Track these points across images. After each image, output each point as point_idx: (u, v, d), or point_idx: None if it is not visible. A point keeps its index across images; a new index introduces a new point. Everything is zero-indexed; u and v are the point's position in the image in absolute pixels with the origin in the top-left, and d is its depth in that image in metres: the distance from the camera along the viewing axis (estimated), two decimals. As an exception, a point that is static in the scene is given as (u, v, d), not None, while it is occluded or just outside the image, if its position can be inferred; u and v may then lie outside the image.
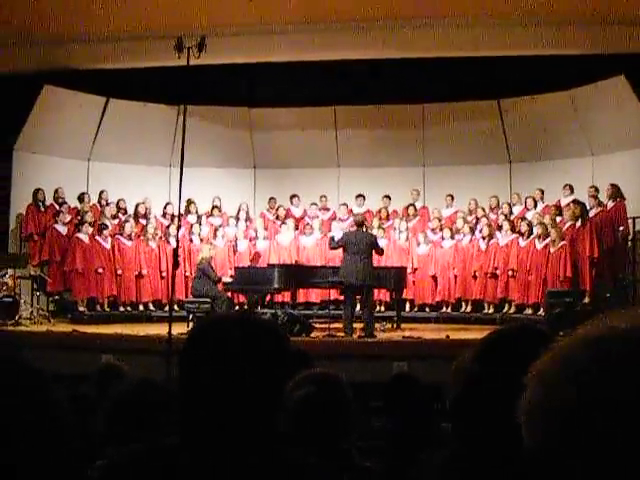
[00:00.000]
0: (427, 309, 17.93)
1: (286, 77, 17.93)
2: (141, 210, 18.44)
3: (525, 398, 1.02)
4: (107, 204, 18.27)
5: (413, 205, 18.83)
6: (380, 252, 14.66)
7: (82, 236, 17.13)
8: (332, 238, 14.93)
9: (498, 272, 16.96)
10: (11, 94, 17.01)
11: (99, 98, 18.71)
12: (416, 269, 17.84)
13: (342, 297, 14.72)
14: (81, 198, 18.15)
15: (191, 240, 18.06)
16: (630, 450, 0.91)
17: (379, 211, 18.75)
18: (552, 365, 1.01)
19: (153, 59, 16.34)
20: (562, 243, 15.86)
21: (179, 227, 14.98)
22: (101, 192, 18.48)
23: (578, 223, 16.10)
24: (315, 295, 17.89)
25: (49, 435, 1.24)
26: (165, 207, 18.84)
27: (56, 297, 17.52)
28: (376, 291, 15.81)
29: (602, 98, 17.11)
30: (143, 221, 18.21)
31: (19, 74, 16.60)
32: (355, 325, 14.26)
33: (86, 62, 16.86)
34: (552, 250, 15.98)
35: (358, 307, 14.76)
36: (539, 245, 16.29)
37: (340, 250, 14.45)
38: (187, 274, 17.70)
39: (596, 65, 16.22)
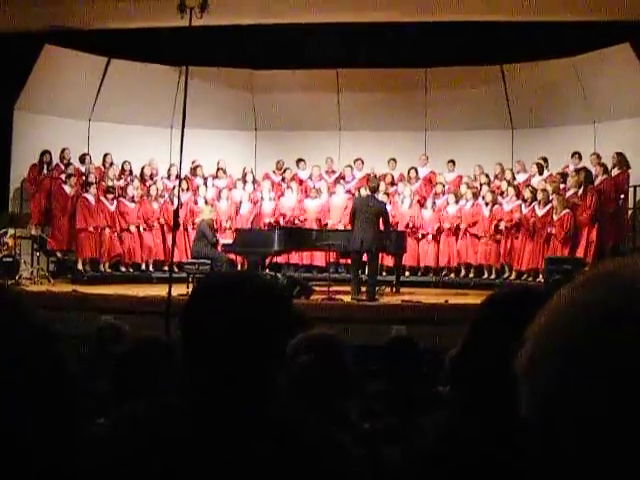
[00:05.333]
0: (430, 274, 17.90)
1: (289, 39, 17.83)
2: (147, 172, 18.41)
3: (524, 351, 1.02)
4: (111, 165, 18.20)
5: (415, 169, 18.77)
6: (386, 224, 14.58)
7: (89, 197, 17.12)
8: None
9: (499, 237, 16.93)
10: (12, 54, 16.93)
11: (100, 58, 18.63)
12: (422, 235, 17.82)
13: (342, 260, 14.81)
14: (82, 159, 18.11)
15: (196, 202, 18.02)
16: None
17: (384, 176, 18.68)
18: (553, 312, 1.01)
19: (155, 19, 16.24)
20: (565, 211, 15.84)
21: (180, 188, 14.93)
22: (105, 154, 18.40)
23: (580, 191, 16.10)
24: (319, 258, 17.91)
25: (55, 388, 1.25)
26: (169, 169, 18.79)
27: (57, 257, 17.52)
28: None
29: (606, 66, 17.04)
30: (149, 183, 18.16)
31: (20, 33, 16.50)
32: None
33: (88, 22, 16.74)
34: (555, 218, 15.96)
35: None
36: (539, 212, 16.27)
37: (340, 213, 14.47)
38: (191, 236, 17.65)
39: (601, 32, 16.13)
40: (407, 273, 17.71)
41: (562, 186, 16.62)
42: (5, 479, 1.20)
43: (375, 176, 17.80)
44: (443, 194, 17.92)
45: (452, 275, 17.73)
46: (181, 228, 16.74)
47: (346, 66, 19.32)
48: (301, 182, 19.02)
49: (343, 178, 18.97)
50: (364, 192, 15.85)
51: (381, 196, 17.04)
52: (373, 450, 2.47)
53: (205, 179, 18.69)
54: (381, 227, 14.24)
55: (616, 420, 0.90)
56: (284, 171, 19.23)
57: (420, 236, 17.77)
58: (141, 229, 17.60)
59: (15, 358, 1.21)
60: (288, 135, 19.99)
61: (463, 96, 19.00)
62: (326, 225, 17.71)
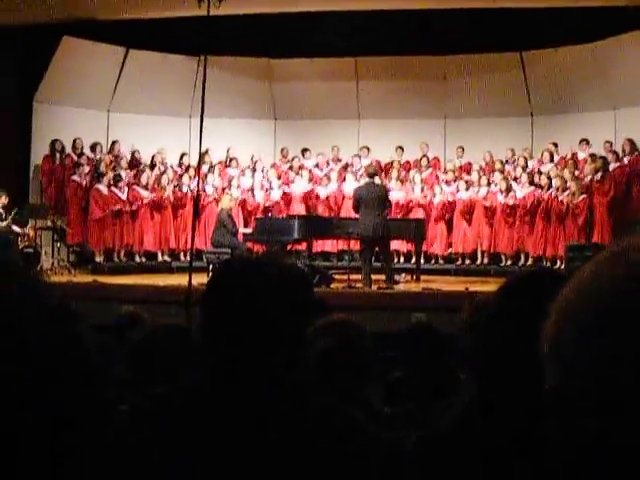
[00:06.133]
0: (442, 261, 17.88)
1: (307, 28, 17.81)
2: (157, 160, 18.45)
3: (548, 327, 1.02)
4: (117, 157, 18.25)
5: (426, 156, 18.76)
6: (388, 206, 14.63)
7: (101, 187, 17.18)
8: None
9: (517, 223, 16.90)
10: (31, 45, 17.00)
11: (119, 49, 18.66)
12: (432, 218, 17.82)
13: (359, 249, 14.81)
14: (94, 148, 18.16)
15: (204, 190, 18.05)
16: None
17: (393, 163, 18.69)
18: (577, 286, 1.01)
19: (174, 9, 16.25)
20: (583, 196, 15.80)
21: (197, 177, 14.95)
22: (113, 142, 18.47)
23: (597, 177, 16.06)
24: (331, 245, 17.94)
25: (75, 363, 1.25)
26: (181, 157, 18.82)
27: (76, 248, 17.61)
28: (393, 242, 15.84)
29: (625, 52, 16.96)
30: (158, 171, 18.19)
31: (38, 25, 16.56)
32: (373, 277, 14.33)
33: (106, 13, 16.77)
34: (573, 203, 15.91)
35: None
36: (559, 197, 16.23)
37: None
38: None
39: (620, 18, 16.03)
40: (429, 260, 17.70)
41: (576, 172, 16.60)
42: (29, 450, 1.20)
43: (376, 162, 17.83)
44: (454, 181, 17.87)
45: (468, 261, 17.69)
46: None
47: (365, 54, 19.27)
48: (310, 171, 19.00)
49: (349, 165, 18.97)
50: (364, 179, 15.82)
51: (394, 183, 17.07)
52: (394, 433, 2.47)
53: (212, 167, 18.68)
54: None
55: None
56: (293, 159, 19.23)
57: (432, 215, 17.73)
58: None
59: (36, 335, 1.22)
60: (307, 124, 19.98)
61: (482, 83, 18.94)
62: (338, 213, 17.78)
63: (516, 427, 1.84)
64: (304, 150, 19.45)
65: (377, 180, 15.57)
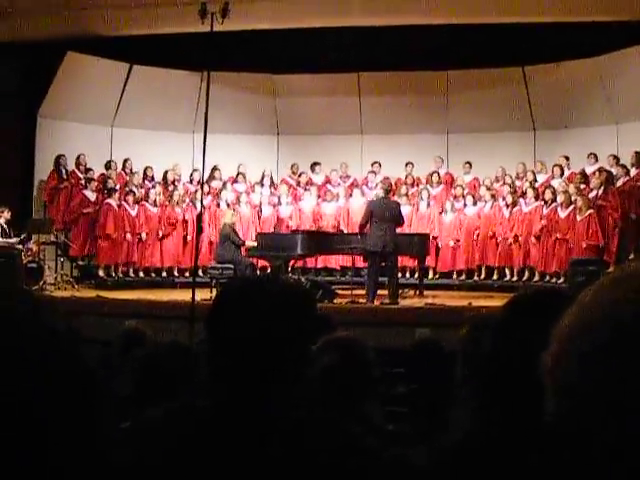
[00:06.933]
0: (453, 275, 17.87)
1: (309, 43, 17.85)
2: (170, 177, 18.48)
3: (550, 351, 1.01)
4: (132, 172, 18.30)
5: (437, 172, 18.77)
6: (400, 223, 14.63)
7: (112, 202, 17.22)
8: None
9: (520, 239, 16.90)
10: (35, 61, 17.06)
11: (123, 64, 18.71)
12: (437, 237, 17.81)
13: (364, 264, 14.78)
14: (108, 165, 18.22)
15: (218, 205, 18.05)
16: None
17: (405, 179, 18.71)
18: (580, 312, 1.00)
19: (177, 25, 16.30)
20: (589, 211, 15.75)
21: (202, 193, 14.98)
22: (125, 160, 18.52)
23: (600, 191, 16.02)
24: (334, 261, 17.93)
25: (79, 388, 1.25)
26: (192, 174, 18.81)
27: (80, 263, 17.62)
28: (400, 258, 15.82)
29: (628, 66, 16.95)
30: (171, 187, 18.20)
31: (43, 41, 16.60)
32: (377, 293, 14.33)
33: (110, 28, 16.82)
34: (579, 218, 15.88)
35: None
36: (562, 213, 16.20)
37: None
38: (213, 239, 17.64)
39: (622, 33, 16.04)
40: (430, 275, 17.69)
41: (583, 186, 16.57)
42: (23, 477, 1.20)
43: (389, 179, 17.80)
44: (463, 197, 17.87)
45: (475, 277, 17.68)
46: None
47: (367, 69, 19.30)
48: (319, 187, 19.03)
49: (357, 185, 18.97)
50: (378, 194, 15.79)
51: (403, 199, 17.06)
52: (398, 451, 2.47)
53: (224, 183, 18.70)
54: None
55: None
56: (300, 175, 19.27)
57: (440, 244, 17.77)
58: (160, 233, 17.64)
59: (37, 359, 1.22)
60: (310, 139, 20.00)
61: (484, 98, 18.95)
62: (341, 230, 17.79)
63: (519, 447, 1.83)
64: (314, 164, 19.47)
65: (400, 199, 15.65)
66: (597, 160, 17.14)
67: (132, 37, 17.18)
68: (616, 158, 16.72)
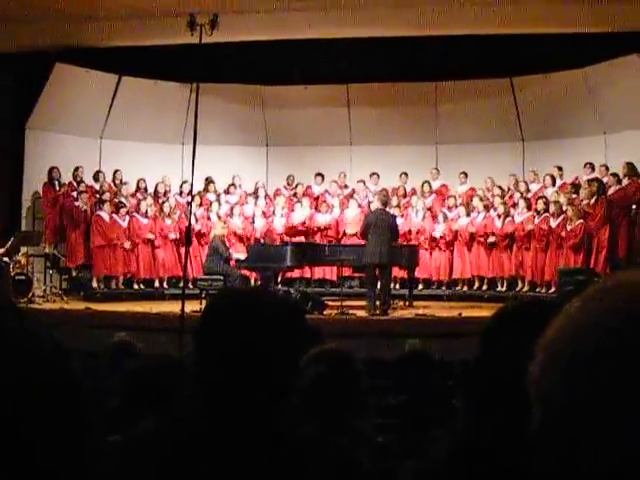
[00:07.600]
0: (443, 287, 17.88)
1: (299, 55, 17.87)
2: (160, 189, 18.44)
3: (536, 362, 1.01)
4: (122, 182, 18.26)
5: (428, 182, 18.75)
6: (395, 236, 14.65)
7: (103, 214, 17.18)
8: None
9: (514, 248, 16.92)
10: (23, 72, 17.03)
11: (111, 76, 18.68)
12: (432, 246, 17.80)
13: (355, 274, 14.84)
14: (96, 177, 18.17)
15: (209, 218, 18.01)
16: None
17: (397, 189, 18.71)
18: (566, 322, 1.00)
19: (166, 37, 16.29)
20: (579, 222, 15.79)
21: (191, 205, 14.96)
22: (115, 171, 18.45)
23: (592, 201, 16.07)
24: (331, 272, 17.91)
25: (67, 404, 1.25)
26: (181, 186, 18.75)
27: (71, 274, 17.55)
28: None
29: (616, 77, 17.03)
30: (162, 200, 18.16)
31: (31, 52, 16.58)
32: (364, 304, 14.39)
33: (98, 40, 16.81)
34: (569, 228, 15.91)
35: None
36: (553, 223, 16.24)
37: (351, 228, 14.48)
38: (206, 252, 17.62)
39: (610, 44, 16.10)
40: (420, 286, 17.68)
41: (574, 196, 16.60)
42: None
43: (386, 190, 17.79)
44: (456, 207, 17.89)
45: (465, 288, 17.70)
46: (195, 244, 16.85)
47: (356, 81, 19.34)
48: (316, 198, 19.02)
49: (352, 195, 18.96)
50: (375, 206, 15.80)
51: (394, 210, 17.06)
52: (386, 464, 2.46)
53: (218, 195, 18.69)
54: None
55: (634, 426, 0.90)
56: (295, 186, 19.26)
57: (432, 243, 17.73)
58: (155, 243, 17.59)
59: (26, 375, 1.21)
60: (299, 150, 20.01)
61: (473, 109, 19.00)
62: (339, 239, 17.79)
63: (508, 459, 1.83)
64: (317, 175, 19.47)
65: (390, 209, 15.68)
66: (593, 170, 17.16)
67: (121, 48, 17.16)
68: (607, 168, 16.77)
